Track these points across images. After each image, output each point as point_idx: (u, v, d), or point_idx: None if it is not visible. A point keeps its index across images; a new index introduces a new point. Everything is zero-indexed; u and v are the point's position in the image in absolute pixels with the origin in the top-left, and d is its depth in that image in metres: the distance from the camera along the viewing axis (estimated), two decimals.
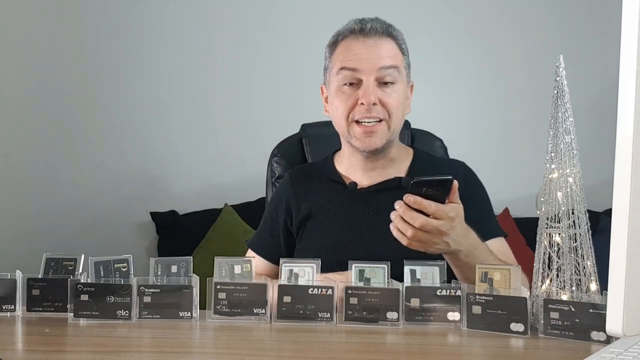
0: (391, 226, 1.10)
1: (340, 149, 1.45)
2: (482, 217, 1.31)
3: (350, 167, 1.41)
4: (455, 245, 1.11)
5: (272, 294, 1.06)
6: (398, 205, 1.07)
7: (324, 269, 1.11)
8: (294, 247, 1.42)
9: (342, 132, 1.36)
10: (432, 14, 2.94)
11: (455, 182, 1.08)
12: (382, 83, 1.30)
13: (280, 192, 1.48)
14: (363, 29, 1.31)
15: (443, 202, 1.07)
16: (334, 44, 1.36)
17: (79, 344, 0.96)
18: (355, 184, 1.39)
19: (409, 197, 1.06)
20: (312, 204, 1.40)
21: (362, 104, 1.28)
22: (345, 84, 1.31)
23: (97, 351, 0.90)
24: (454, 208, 1.09)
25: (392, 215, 1.09)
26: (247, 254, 1.43)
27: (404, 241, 1.09)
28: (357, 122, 1.30)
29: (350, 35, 1.32)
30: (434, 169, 1.37)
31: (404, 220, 1.07)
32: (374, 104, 1.28)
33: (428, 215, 1.06)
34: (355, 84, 1.30)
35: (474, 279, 1.10)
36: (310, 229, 1.39)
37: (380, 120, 1.30)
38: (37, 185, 2.87)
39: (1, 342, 0.96)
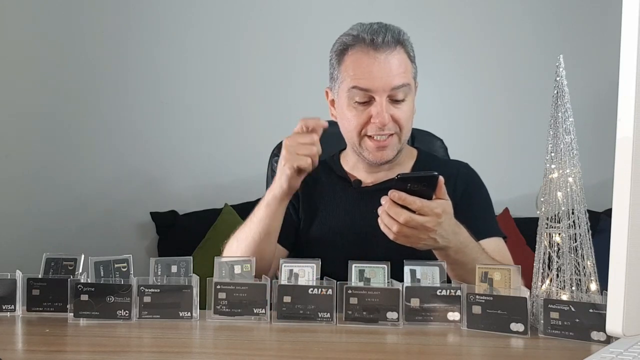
0: (379, 220, 1.10)
1: (345, 148, 1.45)
2: (480, 217, 1.31)
3: (356, 166, 1.42)
4: (444, 242, 1.11)
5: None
6: (384, 200, 1.08)
7: (326, 265, 1.11)
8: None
9: (353, 144, 1.35)
10: (432, 14, 2.94)
11: (441, 178, 1.08)
12: (394, 100, 1.28)
13: None
14: (374, 41, 1.26)
15: (429, 198, 1.07)
16: (341, 53, 1.32)
17: (79, 344, 0.97)
18: (359, 181, 1.40)
19: (394, 193, 1.06)
20: (317, 198, 1.41)
21: (376, 123, 1.27)
22: (356, 101, 1.30)
23: (97, 351, 0.90)
24: (441, 204, 1.08)
25: (379, 210, 1.09)
26: None
27: (390, 236, 1.10)
28: (369, 136, 1.30)
29: (359, 47, 1.28)
30: (436, 169, 1.37)
31: (390, 216, 1.07)
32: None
33: (413, 212, 1.06)
34: (367, 100, 1.29)
35: (465, 277, 1.10)
36: (314, 224, 1.39)
37: (392, 134, 1.30)
38: (37, 185, 2.87)
39: (1, 342, 0.96)
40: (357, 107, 1.30)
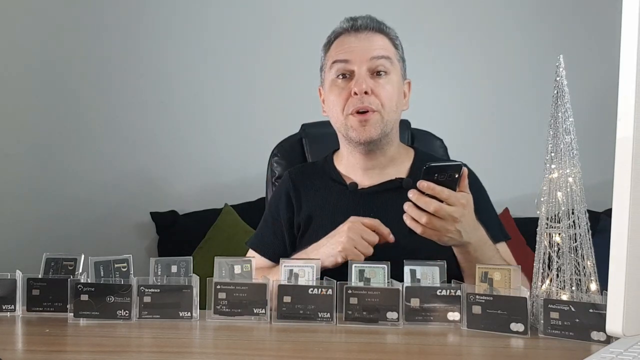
0: (405, 217, 1.10)
1: (339, 148, 1.45)
2: (484, 220, 1.30)
3: (350, 166, 1.40)
4: (466, 237, 1.12)
5: (273, 290, 1.06)
6: (411, 193, 1.08)
7: (324, 270, 1.11)
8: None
9: (339, 126, 1.36)
10: (432, 14, 2.94)
11: (465, 170, 1.09)
12: (375, 74, 1.31)
13: (280, 191, 1.46)
14: (354, 25, 1.34)
15: (454, 190, 1.08)
16: (328, 44, 1.38)
17: (79, 344, 0.96)
18: (355, 184, 1.38)
19: (423, 183, 1.07)
20: (313, 204, 1.39)
21: (355, 93, 1.29)
22: (338, 77, 1.33)
23: (97, 351, 0.90)
24: (465, 196, 1.10)
25: (405, 206, 1.09)
26: (249, 255, 1.41)
27: (418, 229, 1.09)
28: (352, 114, 1.31)
29: (343, 33, 1.35)
30: None
31: (418, 208, 1.07)
32: (366, 92, 1.28)
33: (441, 202, 1.07)
34: (349, 77, 1.32)
35: None
36: (311, 230, 1.38)
37: (374, 111, 1.30)
38: (37, 185, 2.87)
39: (1, 342, 0.96)
40: (339, 84, 1.33)
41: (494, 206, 1.43)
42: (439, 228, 1.09)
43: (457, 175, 1.08)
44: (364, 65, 1.30)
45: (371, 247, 1.17)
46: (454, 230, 1.09)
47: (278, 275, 1.12)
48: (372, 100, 1.29)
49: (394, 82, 1.33)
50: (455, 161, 1.09)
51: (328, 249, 1.21)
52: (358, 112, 1.30)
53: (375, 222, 1.19)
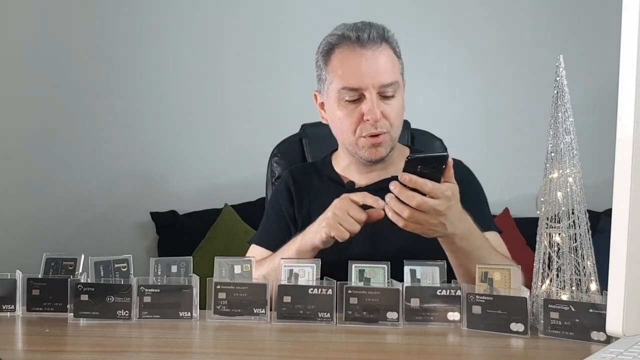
0: (386, 208, 1.07)
1: (336, 149, 1.45)
2: (476, 211, 1.28)
3: (348, 167, 1.41)
4: (451, 228, 1.09)
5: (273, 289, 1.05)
6: (393, 185, 1.05)
7: (323, 269, 1.10)
8: None
9: (348, 146, 1.34)
10: (431, 14, 2.95)
11: (450, 160, 1.06)
12: (384, 96, 1.28)
13: (281, 188, 1.46)
14: (359, 38, 1.26)
15: (438, 182, 1.05)
16: (327, 54, 1.31)
17: (79, 344, 0.97)
18: (352, 183, 1.39)
19: (405, 176, 1.03)
20: (311, 203, 1.40)
21: (368, 120, 1.27)
22: (346, 100, 1.29)
23: (97, 351, 0.90)
24: (450, 187, 1.07)
25: (387, 198, 1.07)
26: (251, 253, 1.41)
27: (400, 223, 1.07)
28: (364, 137, 1.29)
29: (345, 45, 1.28)
30: None
31: (400, 201, 1.05)
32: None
33: (424, 195, 1.04)
34: (357, 98, 1.28)
35: (468, 265, 1.10)
36: None
37: (385, 133, 1.29)
38: (36, 185, 2.88)
39: (1, 342, 0.96)
40: (347, 105, 1.29)
41: (491, 205, 1.42)
42: (422, 222, 1.06)
43: (441, 166, 1.04)
44: (375, 91, 1.26)
45: (357, 224, 1.14)
46: (438, 223, 1.07)
47: (275, 263, 1.11)
48: (383, 123, 1.28)
49: (400, 99, 1.31)
50: (440, 152, 1.05)
51: (315, 225, 1.20)
52: (370, 136, 1.29)
53: (363, 195, 1.15)
